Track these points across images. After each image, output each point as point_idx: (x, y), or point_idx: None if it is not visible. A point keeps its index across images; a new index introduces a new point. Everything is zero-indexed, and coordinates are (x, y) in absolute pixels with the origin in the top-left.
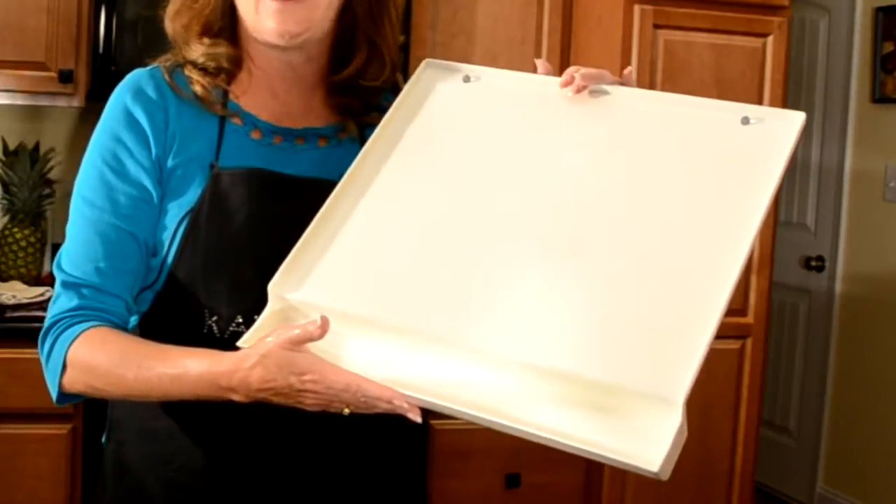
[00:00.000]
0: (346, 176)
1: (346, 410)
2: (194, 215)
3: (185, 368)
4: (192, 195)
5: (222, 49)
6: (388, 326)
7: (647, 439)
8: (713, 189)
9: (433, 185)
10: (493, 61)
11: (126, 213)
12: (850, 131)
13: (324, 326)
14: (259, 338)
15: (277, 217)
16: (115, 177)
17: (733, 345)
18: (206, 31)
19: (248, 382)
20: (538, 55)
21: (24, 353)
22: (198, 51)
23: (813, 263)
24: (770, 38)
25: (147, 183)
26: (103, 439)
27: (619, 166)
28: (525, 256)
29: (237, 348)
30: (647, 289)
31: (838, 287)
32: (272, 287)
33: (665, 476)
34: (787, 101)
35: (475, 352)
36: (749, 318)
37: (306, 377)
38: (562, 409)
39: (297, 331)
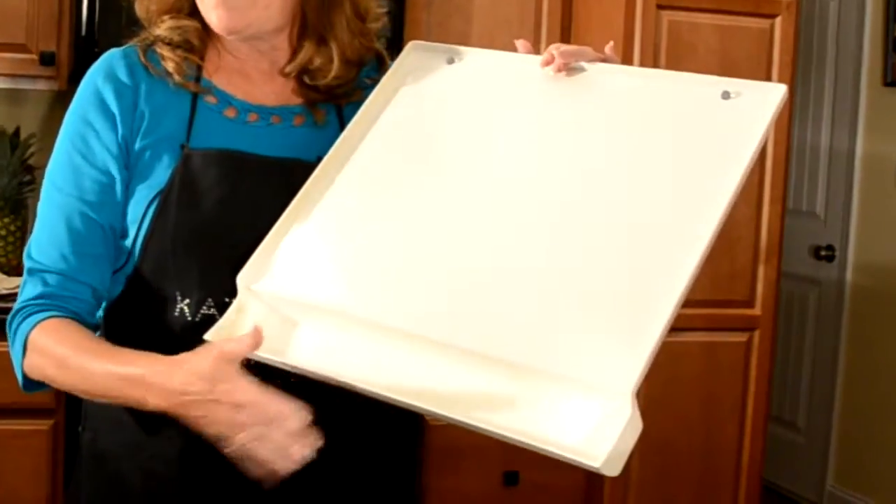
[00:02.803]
0: (322, 163)
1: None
2: (164, 197)
3: (123, 365)
4: (161, 176)
5: (188, 23)
6: (349, 316)
7: (594, 433)
8: (690, 166)
9: (411, 172)
10: (490, 42)
11: (92, 199)
12: (861, 115)
13: (256, 337)
14: (226, 331)
15: (250, 199)
16: (82, 161)
17: (740, 337)
18: (172, 11)
19: (169, 386)
20: (537, 36)
21: (4, 347)
22: (164, 26)
23: (822, 253)
24: (778, 20)
25: (113, 168)
26: (80, 429)
27: (598, 144)
28: (503, 241)
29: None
30: (609, 272)
31: (849, 277)
32: (240, 279)
33: (613, 472)
34: (795, 83)
35: (425, 341)
36: (756, 310)
37: (220, 387)
38: (506, 398)
39: (232, 345)
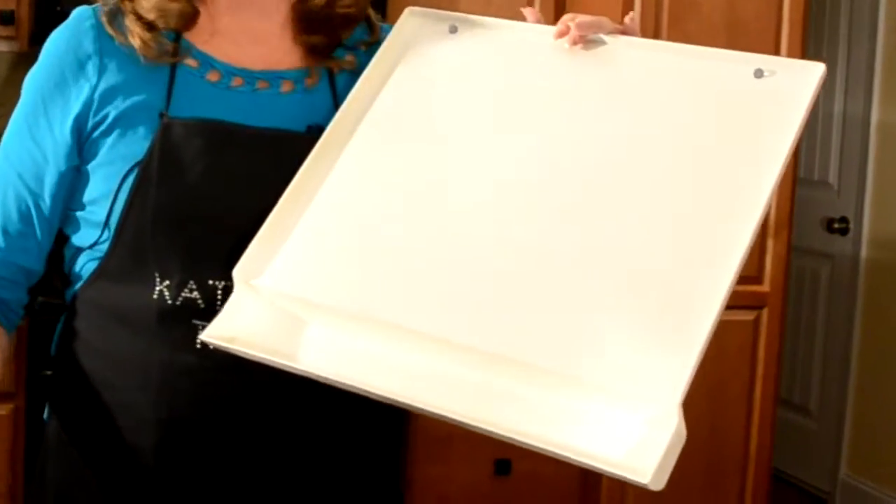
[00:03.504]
0: (320, 142)
1: None
2: (143, 169)
3: None
4: (137, 148)
5: (175, 5)
6: (355, 315)
7: (639, 445)
8: (721, 151)
9: (414, 154)
10: (486, 8)
11: (31, 175)
12: (876, 80)
13: None
14: (223, 328)
15: (236, 173)
16: (29, 134)
17: (747, 316)
18: None
19: None
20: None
21: None
22: (148, 3)
23: (836, 225)
24: None
25: (59, 152)
26: (45, 415)
27: (619, 126)
28: (528, 235)
29: (189, 317)
30: (644, 267)
31: (864, 252)
32: (237, 272)
33: (658, 486)
34: (806, 46)
35: (447, 344)
36: (765, 287)
37: None
38: (542, 409)
39: None
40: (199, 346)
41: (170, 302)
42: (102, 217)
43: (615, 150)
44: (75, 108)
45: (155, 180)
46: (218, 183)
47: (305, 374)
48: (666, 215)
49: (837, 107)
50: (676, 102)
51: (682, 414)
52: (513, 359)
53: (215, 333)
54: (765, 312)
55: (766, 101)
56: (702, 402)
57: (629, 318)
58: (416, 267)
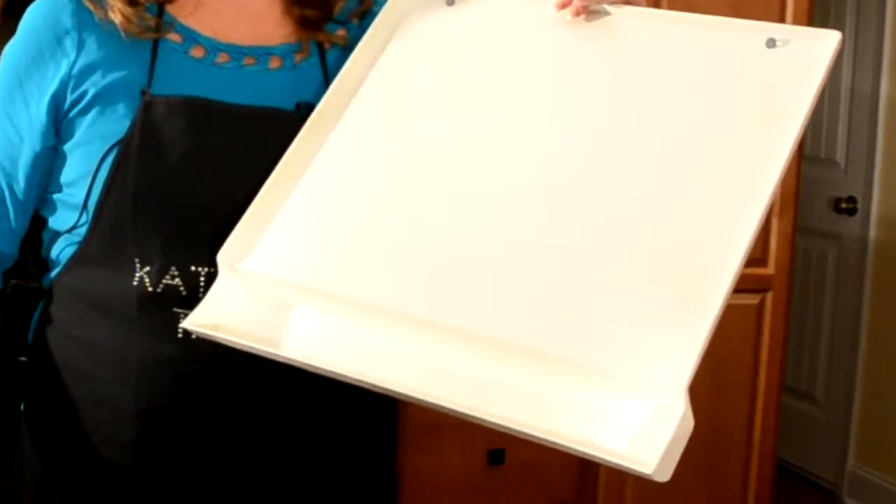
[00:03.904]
0: (309, 121)
1: None
2: (123, 149)
3: None
4: (118, 126)
5: None
6: (346, 300)
7: (643, 434)
8: (732, 124)
9: (409, 132)
10: None
11: (5, 155)
12: (885, 54)
13: None
14: (207, 315)
15: (220, 153)
16: (4, 113)
17: (751, 299)
18: None
19: None
20: None
21: None
22: None
23: (843, 205)
24: None
25: (37, 125)
26: (21, 407)
27: (622, 101)
28: (514, 215)
29: (171, 304)
30: (648, 248)
31: (872, 232)
32: (221, 256)
33: (663, 477)
34: (812, 18)
35: (442, 329)
36: (769, 269)
37: None
38: (541, 397)
39: None
40: (180, 335)
41: (150, 289)
42: (80, 199)
43: (619, 127)
44: (52, 85)
45: (135, 161)
46: (201, 164)
47: (293, 363)
48: (670, 195)
49: (845, 81)
50: (683, 75)
51: (688, 401)
52: (511, 344)
53: (198, 321)
54: (769, 296)
55: (779, 72)
56: (703, 390)
57: (633, 302)
58: (410, 250)
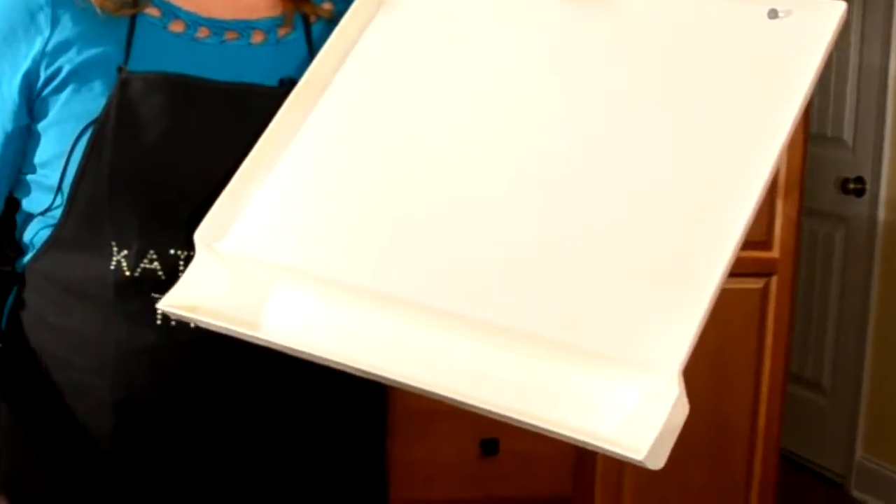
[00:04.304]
0: (292, 95)
1: None
2: (98, 128)
3: None
4: (94, 105)
5: None
6: (329, 281)
7: (634, 419)
8: (732, 99)
9: (396, 108)
10: None
11: None
12: (894, 28)
13: None
14: (184, 296)
15: (200, 132)
16: None
17: (755, 284)
18: None
19: None
20: None
21: None
22: None
23: (851, 186)
24: None
25: (9, 104)
26: None
27: (621, 75)
28: (504, 194)
29: (149, 289)
30: (643, 228)
31: (881, 214)
32: (198, 236)
33: (655, 465)
34: None
35: (428, 311)
36: (774, 252)
37: None
38: (526, 379)
39: None
40: (159, 321)
41: (128, 273)
42: (55, 181)
43: (616, 103)
44: (25, 63)
45: (111, 140)
46: (180, 143)
47: (274, 347)
48: (667, 171)
49: (853, 57)
50: (682, 48)
51: (682, 385)
52: (498, 325)
53: (175, 301)
54: (774, 280)
55: (781, 44)
56: (705, 378)
57: (626, 284)
58: (395, 229)
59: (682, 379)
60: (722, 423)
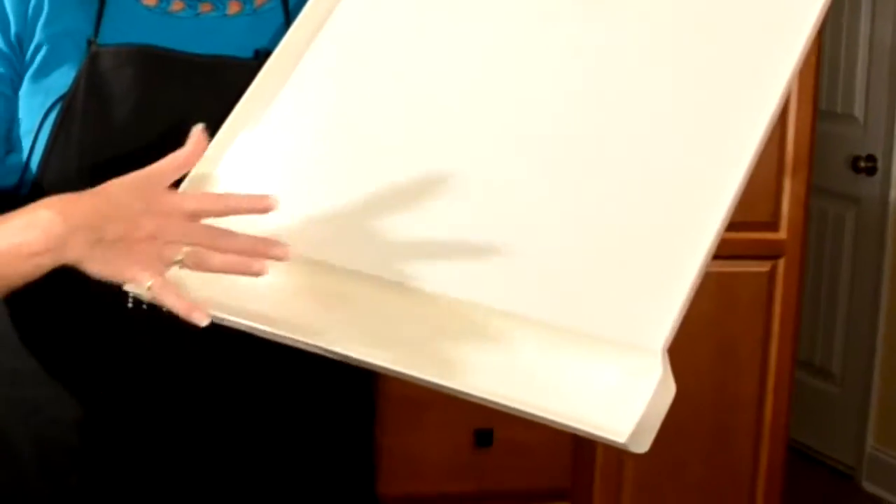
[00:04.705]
0: (265, 67)
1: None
2: (67, 104)
3: None
4: (62, 79)
5: None
6: (306, 257)
7: (616, 400)
8: (722, 69)
9: (371, 78)
10: None
11: None
12: None
13: (197, 149)
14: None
15: (173, 107)
16: None
17: (761, 266)
18: None
19: (66, 199)
20: None
21: None
22: None
23: (862, 164)
24: None
25: (3, 70)
26: None
27: (598, 39)
28: (481, 168)
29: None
30: (625, 206)
31: (893, 193)
32: None
33: (639, 448)
34: None
35: (406, 292)
36: (781, 233)
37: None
38: (505, 360)
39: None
40: (130, 304)
41: None
42: (22, 159)
43: (596, 69)
44: (13, 24)
45: (80, 117)
46: (151, 119)
47: (249, 329)
48: (652, 147)
49: (864, 29)
50: (663, 10)
51: (668, 365)
52: (476, 306)
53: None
54: (781, 263)
55: (773, 5)
56: (709, 365)
57: (607, 261)
58: (376, 204)
59: (666, 359)
60: (727, 412)
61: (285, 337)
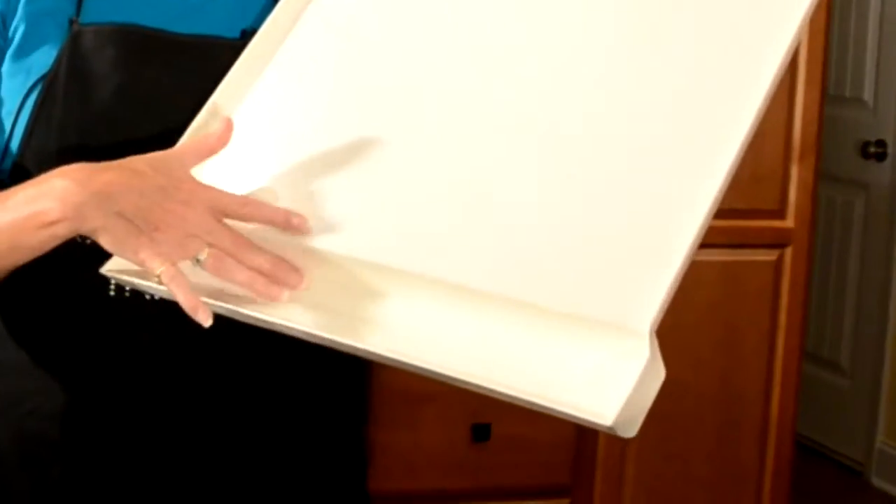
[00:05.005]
0: (248, 47)
1: (201, 255)
2: (48, 84)
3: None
4: (44, 59)
5: None
6: (292, 241)
7: (602, 383)
8: (710, 53)
9: (358, 58)
10: None
11: None
12: None
13: (225, 134)
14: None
15: (156, 88)
16: None
17: (768, 255)
18: None
19: (84, 168)
20: None
21: None
22: None
23: (871, 150)
24: None
25: None
26: None
27: (592, 27)
28: (469, 147)
29: (100, 263)
30: (615, 183)
31: None
32: None
33: (627, 432)
34: None
35: (386, 272)
36: (788, 221)
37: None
38: (487, 340)
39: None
40: (112, 292)
41: (80, 240)
42: (2, 141)
43: (590, 56)
44: None
45: (61, 98)
46: (136, 100)
47: (233, 316)
48: (642, 128)
49: (873, 9)
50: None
51: (656, 346)
52: (460, 286)
53: (120, 265)
54: (788, 251)
55: None
56: (713, 357)
57: (594, 240)
58: (357, 186)
59: (654, 341)
60: (732, 406)
61: (264, 322)
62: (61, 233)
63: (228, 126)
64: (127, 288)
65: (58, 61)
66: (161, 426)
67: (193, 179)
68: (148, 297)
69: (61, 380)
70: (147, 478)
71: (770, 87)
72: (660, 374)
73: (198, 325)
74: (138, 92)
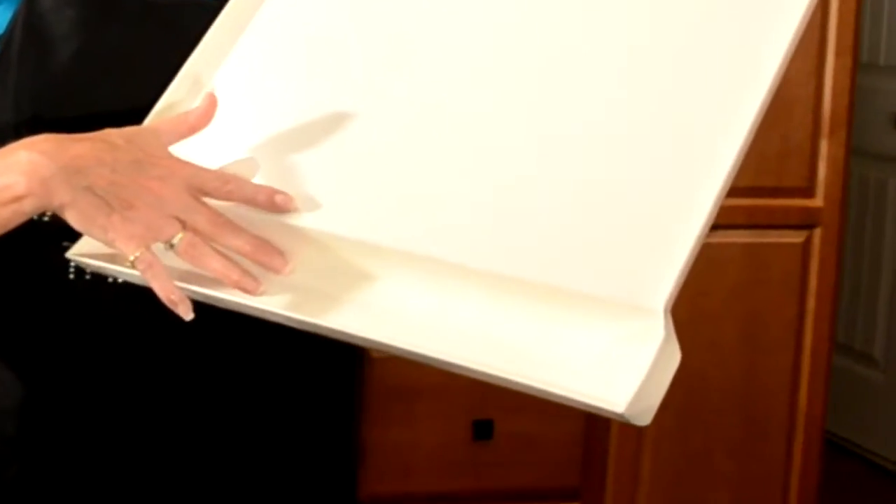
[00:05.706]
0: (225, 11)
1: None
2: (2, 48)
3: None
4: None
5: None
6: (271, 221)
7: (615, 368)
8: (719, 27)
9: (343, 24)
10: None
11: None
12: None
13: (208, 111)
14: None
15: (120, 52)
16: None
17: (795, 237)
18: None
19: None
20: None
21: None
22: None
23: None
24: None
25: None
26: None
27: (585, 9)
28: (471, 127)
29: (60, 237)
30: (627, 158)
31: None
32: None
33: (641, 420)
34: None
35: (381, 253)
36: (817, 200)
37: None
38: (493, 324)
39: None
40: (72, 275)
41: (35, 217)
42: None
43: (596, 32)
44: None
45: (16, 62)
46: (97, 64)
47: (212, 302)
48: (653, 106)
49: None
50: None
51: (671, 327)
52: (467, 267)
53: (87, 249)
54: (817, 233)
55: None
56: (736, 346)
57: (605, 215)
58: (342, 163)
59: (669, 320)
60: (757, 401)
61: (224, 301)
62: (27, 209)
63: (212, 102)
64: (87, 271)
65: (12, 23)
66: (127, 422)
67: (171, 155)
68: (110, 280)
69: (18, 372)
70: (111, 477)
71: (785, 53)
72: (675, 356)
73: (168, 312)
74: (101, 55)
